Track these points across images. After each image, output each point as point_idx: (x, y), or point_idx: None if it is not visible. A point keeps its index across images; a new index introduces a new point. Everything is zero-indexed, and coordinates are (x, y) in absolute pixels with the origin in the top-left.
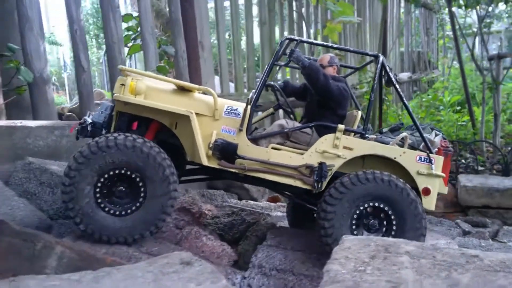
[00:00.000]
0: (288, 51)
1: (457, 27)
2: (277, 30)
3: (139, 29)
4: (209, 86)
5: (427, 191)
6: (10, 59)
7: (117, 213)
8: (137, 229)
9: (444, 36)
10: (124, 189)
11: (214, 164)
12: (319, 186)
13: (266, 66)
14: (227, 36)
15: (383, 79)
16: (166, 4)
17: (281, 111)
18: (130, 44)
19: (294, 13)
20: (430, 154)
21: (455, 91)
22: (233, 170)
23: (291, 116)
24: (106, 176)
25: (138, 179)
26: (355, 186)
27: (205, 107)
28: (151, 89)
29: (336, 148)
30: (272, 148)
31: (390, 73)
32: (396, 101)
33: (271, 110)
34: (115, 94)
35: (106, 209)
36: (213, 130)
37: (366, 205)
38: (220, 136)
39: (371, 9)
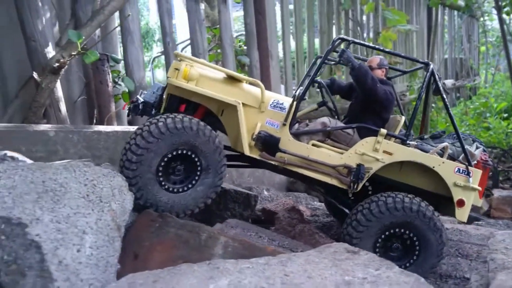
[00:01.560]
0: (339, 51)
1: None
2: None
3: (212, 40)
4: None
5: (461, 203)
6: (113, 69)
7: (174, 190)
8: (189, 205)
9: (486, 43)
10: (182, 168)
11: (255, 155)
12: (355, 187)
13: (313, 64)
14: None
15: (431, 87)
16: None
17: None
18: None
19: (350, 21)
20: (469, 167)
21: (500, 98)
22: (273, 163)
23: (335, 114)
24: (170, 155)
25: (196, 159)
26: (383, 215)
27: (252, 98)
28: (203, 76)
29: (375, 152)
30: (313, 144)
31: (438, 82)
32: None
33: (315, 106)
34: (168, 78)
35: (164, 185)
36: (257, 121)
37: (392, 232)
38: (264, 128)
39: (418, 17)
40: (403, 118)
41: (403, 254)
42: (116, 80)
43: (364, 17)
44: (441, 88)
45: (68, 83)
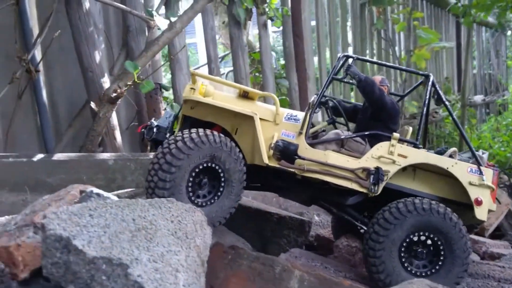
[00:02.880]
0: (345, 67)
1: None
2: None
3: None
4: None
5: (479, 202)
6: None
7: (202, 204)
8: (217, 217)
9: None
10: (206, 181)
11: (274, 164)
12: (376, 189)
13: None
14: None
15: (432, 98)
16: (255, 38)
17: None
18: None
19: (382, 40)
20: (480, 167)
21: None
22: (292, 170)
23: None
24: (197, 169)
25: (220, 171)
26: (398, 220)
27: (267, 112)
28: (218, 94)
29: (391, 155)
30: None
31: (440, 92)
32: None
33: (324, 123)
34: (184, 96)
35: (193, 200)
36: (273, 133)
37: (416, 236)
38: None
39: (447, 34)
40: (411, 128)
41: (430, 258)
42: (165, 107)
43: (397, 36)
44: (443, 97)
45: (116, 111)
